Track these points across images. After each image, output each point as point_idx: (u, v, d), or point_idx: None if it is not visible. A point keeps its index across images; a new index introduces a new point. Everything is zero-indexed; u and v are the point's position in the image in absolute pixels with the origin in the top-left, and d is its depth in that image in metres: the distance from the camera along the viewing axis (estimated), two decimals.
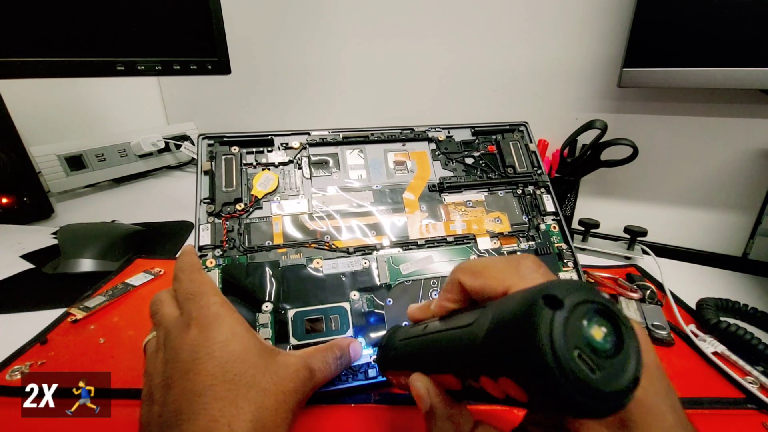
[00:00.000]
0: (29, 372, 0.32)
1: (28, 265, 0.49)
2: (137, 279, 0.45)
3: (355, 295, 0.33)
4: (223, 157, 0.36)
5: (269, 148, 0.38)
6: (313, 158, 0.38)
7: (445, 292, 0.21)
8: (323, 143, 0.39)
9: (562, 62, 0.69)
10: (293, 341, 0.31)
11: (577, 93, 0.70)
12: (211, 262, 0.32)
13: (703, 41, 0.53)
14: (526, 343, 0.11)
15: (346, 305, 0.33)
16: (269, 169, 0.37)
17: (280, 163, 0.37)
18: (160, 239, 0.58)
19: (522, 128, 0.44)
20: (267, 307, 0.31)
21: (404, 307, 0.33)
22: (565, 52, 0.69)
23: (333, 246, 0.35)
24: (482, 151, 0.42)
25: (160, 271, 0.47)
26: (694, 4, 0.52)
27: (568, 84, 0.70)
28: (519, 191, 0.41)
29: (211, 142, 0.37)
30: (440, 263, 0.36)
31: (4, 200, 0.61)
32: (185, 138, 0.94)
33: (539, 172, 0.42)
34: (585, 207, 0.72)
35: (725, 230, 0.65)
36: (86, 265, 0.48)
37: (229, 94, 1.00)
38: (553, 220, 0.40)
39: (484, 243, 0.37)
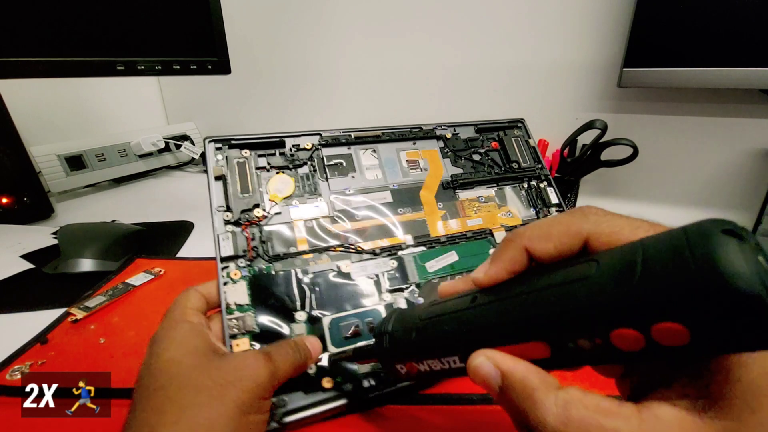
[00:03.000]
0: (29, 372, 0.32)
1: (28, 265, 0.49)
2: (137, 279, 0.45)
3: (387, 297, 0.32)
4: (236, 161, 0.34)
5: (281, 150, 0.36)
6: (327, 159, 0.37)
7: (502, 261, 0.17)
8: (336, 143, 0.38)
9: (563, 62, 0.69)
10: (332, 349, 0.29)
11: (577, 93, 0.70)
12: (236, 274, 0.30)
13: (703, 41, 0.53)
14: (717, 278, 0.11)
15: (380, 307, 0.32)
16: (284, 172, 0.35)
17: (295, 166, 0.36)
18: (160, 239, 0.58)
19: (520, 124, 0.44)
20: (301, 316, 0.30)
21: None
22: (565, 52, 0.69)
23: (359, 248, 0.34)
24: (487, 148, 0.43)
25: (160, 271, 0.47)
26: (694, 4, 0.52)
27: (568, 84, 0.70)
28: (525, 185, 0.42)
29: (219, 145, 0.34)
30: (464, 259, 0.36)
31: (4, 200, 0.61)
32: (185, 138, 0.94)
33: (540, 166, 0.43)
34: None
35: None
36: (86, 265, 0.48)
37: (229, 94, 1.00)
38: (557, 211, 0.41)
39: (500, 236, 0.38)
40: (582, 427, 0.13)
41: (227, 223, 0.32)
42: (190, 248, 0.56)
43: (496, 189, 0.41)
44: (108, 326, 0.38)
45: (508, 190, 0.41)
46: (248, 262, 0.31)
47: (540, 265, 0.17)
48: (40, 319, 0.39)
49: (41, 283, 0.46)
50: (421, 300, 0.33)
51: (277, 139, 0.36)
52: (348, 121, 0.92)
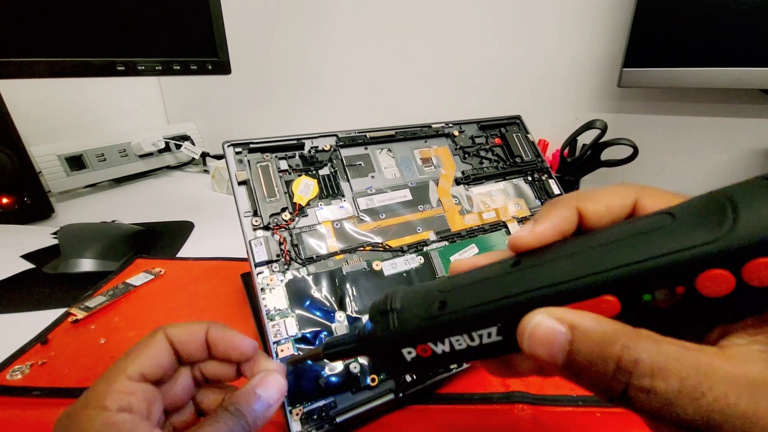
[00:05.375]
0: (30, 372, 0.32)
1: (28, 265, 0.49)
2: (138, 279, 0.45)
3: None
4: (258, 165, 0.34)
5: (300, 152, 0.36)
6: (347, 161, 0.38)
7: (551, 219, 0.15)
8: (353, 144, 0.38)
9: (563, 62, 0.69)
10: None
11: (577, 93, 0.70)
12: (272, 280, 0.30)
13: (703, 41, 0.53)
14: None
15: None
16: (305, 174, 0.35)
17: (316, 167, 0.36)
18: (160, 239, 0.58)
19: (517, 121, 0.47)
20: (341, 317, 0.31)
21: None
22: (565, 52, 0.69)
23: (387, 246, 0.34)
24: (491, 144, 0.44)
25: (160, 271, 0.47)
26: (694, 4, 0.52)
27: (568, 84, 0.70)
28: (529, 178, 0.44)
29: (239, 149, 0.34)
30: (484, 250, 0.37)
31: (4, 200, 0.61)
32: (185, 138, 0.94)
33: (540, 159, 0.45)
34: None
35: None
36: (86, 265, 0.48)
37: (229, 94, 1.00)
38: None
39: (514, 228, 0.40)
40: (680, 360, 0.11)
41: (256, 228, 0.32)
42: (190, 248, 0.56)
43: (503, 183, 0.43)
44: (108, 326, 0.38)
45: (514, 183, 0.43)
46: (285, 266, 0.31)
47: (589, 231, 0.15)
48: (41, 319, 0.39)
49: (41, 283, 0.46)
50: None
51: (296, 142, 0.36)
52: (348, 121, 0.92)
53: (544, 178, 0.44)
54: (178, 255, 0.54)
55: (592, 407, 0.29)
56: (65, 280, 0.47)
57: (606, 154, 0.59)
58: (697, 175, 0.66)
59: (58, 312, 0.40)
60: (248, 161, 0.34)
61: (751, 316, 0.13)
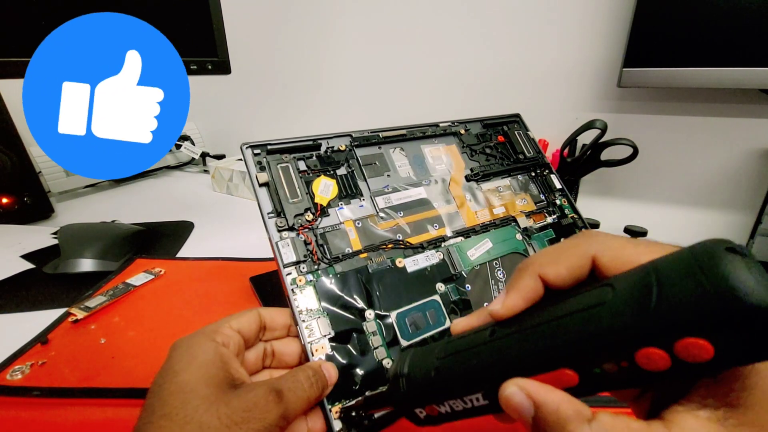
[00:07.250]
0: (30, 372, 0.32)
1: (28, 265, 0.49)
2: (138, 279, 0.45)
3: (441, 287, 0.34)
4: (279, 167, 0.34)
5: (317, 153, 0.36)
6: (362, 160, 0.38)
7: (518, 290, 0.18)
8: (367, 144, 0.39)
9: (563, 62, 0.69)
10: (403, 342, 0.30)
11: (577, 93, 0.70)
12: (301, 280, 0.30)
13: (703, 41, 0.53)
14: (732, 297, 0.12)
15: (437, 298, 0.33)
16: (324, 174, 0.36)
17: (333, 167, 0.36)
18: (160, 239, 0.58)
19: (517, 119, 0.47)
20: (370, 314, 0.31)
21: (482, 290, 0.35)
22: (565, 52, 0.69)
23: (408, 243, 0.35)
24: (495, 142, 0.45)
25: (160, 271, 0.47)
26: (694, 4, 0.52)
27: (568, 84, 0.70)
28: (532, 173, 0.45)
29: (258, 151, 0.34)
30: (497, 245, 0.39)
31: (4, 200, 0.61)
32: (185, 138, 0.94)
33: (541, 156, 0.46)
34: (585, 207, 0.72)
35: (725, 230, 0.65)
36: (86, 265, 0.48)
37: (229, 94, 1.00)
38: (560, 195, 0.45)
39: (523, 222, 0.41)
40: None
41: (281, 229, 0.32)
42: (190, 248, 0.56)
43: (509, 179, 0.44)
44: (108, 326, 0.38)
45: (519, 179, 0.44)
46: (315, 266, 0.31)
47: (555, 292, 0.17)
48: (41, 319, 0.39)
49: (41, 283, 0.46)
50: (468, 287, 0.35)
51: (312, 142, 0.36)
52: (348, 121, 0.92)
53: (545, 173, 0.46)
54: (178, 255, 0.54)
55: (591, 407, 0.29)
56: (65, 280, 0.47)
57: (606, 154, 0.59)
58: (697, 175, 0.66)
59: (58, 312, 0.40)
60: (268, 162, 0.34)
61: (692, 385, 0.14)
